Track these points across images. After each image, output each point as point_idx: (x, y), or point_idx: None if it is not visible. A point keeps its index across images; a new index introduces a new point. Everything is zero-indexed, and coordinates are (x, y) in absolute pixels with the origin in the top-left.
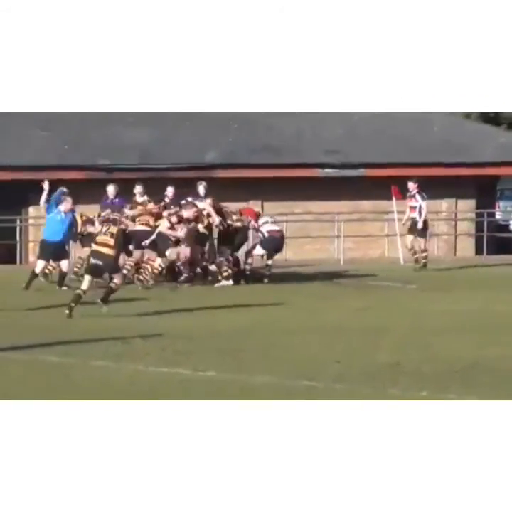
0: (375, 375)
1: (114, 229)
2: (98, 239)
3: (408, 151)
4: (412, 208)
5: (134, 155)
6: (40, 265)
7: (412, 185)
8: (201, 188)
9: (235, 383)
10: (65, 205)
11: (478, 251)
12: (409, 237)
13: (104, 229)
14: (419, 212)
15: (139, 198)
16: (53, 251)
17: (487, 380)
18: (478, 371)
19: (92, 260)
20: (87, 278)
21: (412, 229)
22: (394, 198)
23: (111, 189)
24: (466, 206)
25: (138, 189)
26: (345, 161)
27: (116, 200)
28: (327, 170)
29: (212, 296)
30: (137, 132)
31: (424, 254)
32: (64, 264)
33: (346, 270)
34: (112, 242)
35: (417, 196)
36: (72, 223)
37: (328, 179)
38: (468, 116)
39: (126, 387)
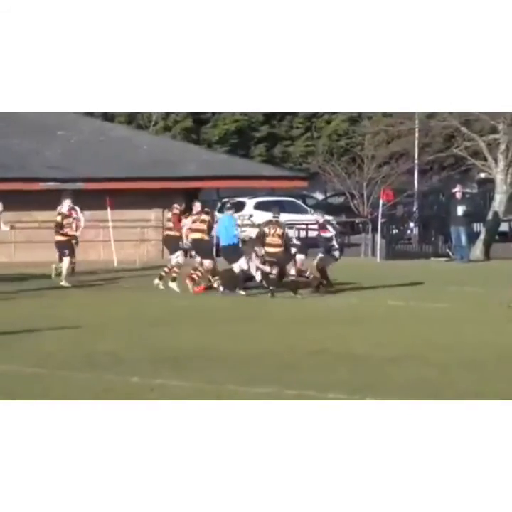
0: (94, 362)
1: (280, 231)
2: (268, 240)
3: (121, 167)
4: (76, 219)
5: None
6: None
7: (68, 202)
8: None
9: None
10: None
11: None
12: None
13: (272, 231)
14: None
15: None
16: None
17: (197, 365)
18: (189, 358)
19: (267, 258)
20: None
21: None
22: (108, 208)
23: None
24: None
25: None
26: (66, 176)
27: None
28: (50, 183)
29: None
30: None
31: (73, 260)
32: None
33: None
34: (280, 241)
35: (77, 210)
36: None
37: (50, 191)
38: (174, 136)
39: None
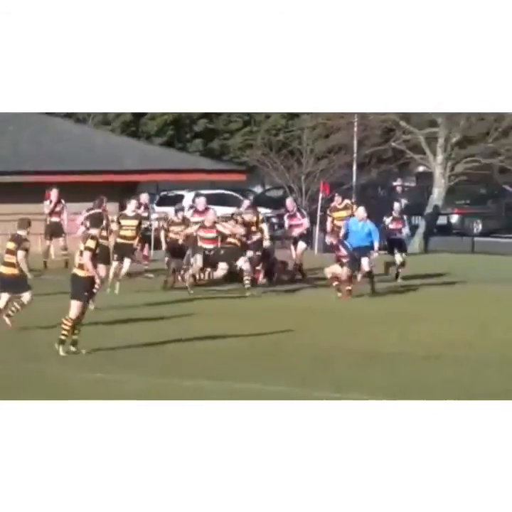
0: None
1: None
2: None
3: (60, 160)
4: None
5: None
6: None
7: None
8: None
9: None
10: None
11: None
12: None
13: None
14: None
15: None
16: None
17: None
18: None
19: None
20: None
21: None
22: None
23: None
24: (112, 208)
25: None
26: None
27: None
28: None
29: None
30: None
31: None
32: None
33: None
34: None
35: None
36: None
37: None
38: (113, 130)
39: None
